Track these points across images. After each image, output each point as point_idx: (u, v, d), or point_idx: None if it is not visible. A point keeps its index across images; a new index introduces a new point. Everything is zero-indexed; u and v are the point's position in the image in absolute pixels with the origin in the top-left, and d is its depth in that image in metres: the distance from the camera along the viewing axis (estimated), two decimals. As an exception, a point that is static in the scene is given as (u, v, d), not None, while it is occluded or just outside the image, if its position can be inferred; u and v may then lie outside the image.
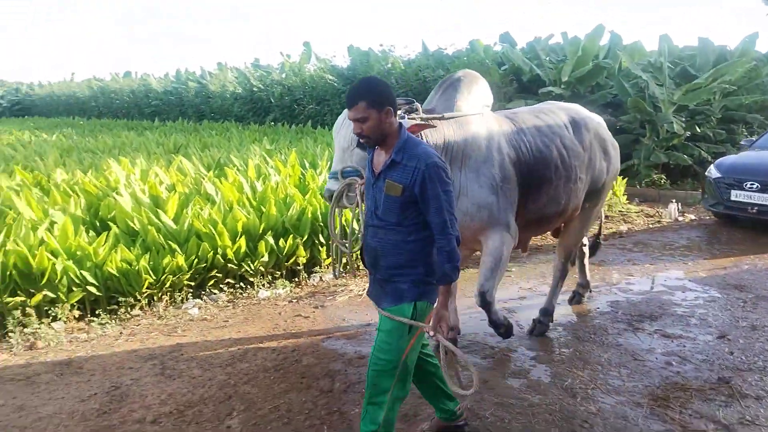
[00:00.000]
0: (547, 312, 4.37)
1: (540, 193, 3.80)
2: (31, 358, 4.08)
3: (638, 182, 10.42)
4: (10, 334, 4.33)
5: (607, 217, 8.32)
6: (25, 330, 4.38)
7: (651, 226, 8.03)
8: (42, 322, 4.48)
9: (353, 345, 4.17)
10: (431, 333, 2.40)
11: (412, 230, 2.41)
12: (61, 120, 25.22)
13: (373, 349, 2.51)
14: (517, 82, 12.24)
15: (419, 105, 3.47)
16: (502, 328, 3.86)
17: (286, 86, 18.78)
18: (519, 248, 4.13)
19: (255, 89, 19.66)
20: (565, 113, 4.14)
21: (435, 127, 3.42)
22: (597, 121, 4.31)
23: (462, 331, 4.26)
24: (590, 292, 5.07)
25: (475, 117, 3.64)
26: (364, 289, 5.43)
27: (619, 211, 8.74)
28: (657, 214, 8.63)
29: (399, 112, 3.26)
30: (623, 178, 9.30)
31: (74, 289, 4.69)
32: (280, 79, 19.52)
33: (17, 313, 4.43)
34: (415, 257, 2.44)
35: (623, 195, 9.10)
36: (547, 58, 12.38)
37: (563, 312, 4.69)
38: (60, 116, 28.28)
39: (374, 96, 2.32)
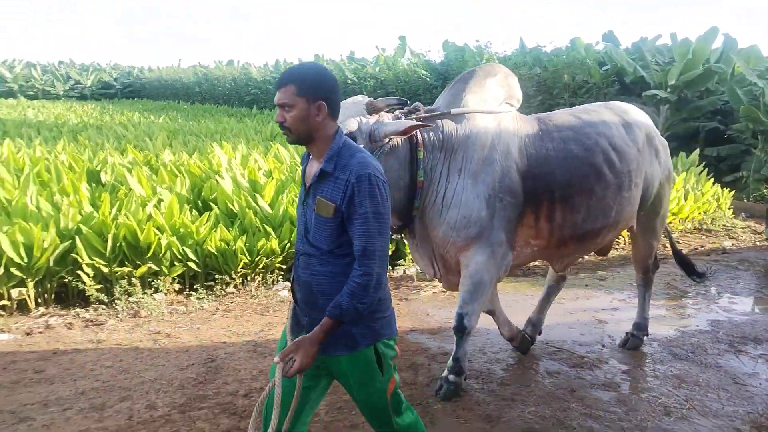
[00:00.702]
0: (639, 326, 4.10)
1: (575, 205, 3.24)
2: (135, 324, 4.38)
3: (746, 196, 9.73)
4: (116, 301, 4.67)
5: (709, 231, 7.84)
6: (130, 299, 4.71)
7: (758, 243, 7.46)
8: (145, 293, 4.80)
9: (437, 341, 4.17)
10: (276, 360, 1.88)
11: (351, 261, 1.92)
12: (167, 103, 26.77)
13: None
14: (620, 84, 11.75)
15: (421, 105, 3.16)
16: (454, 372, 3.25)
17: (379, 80, 19.00)
18: (555, 269, 3.77)
19: (348, 81, 20.02)
20: (614, 111, 3.60)
21: (431, 126, 3.03)
22: (645, 118, 3.79)
23: (549, 338, 4.16)
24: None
25: (485, 115, 3.16)
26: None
27: (723, 225, 8.18)
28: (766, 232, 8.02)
29: (396, 113, 3.02)
30: (730, 191, 8.70)
31: (176, 263, 4.99)
32: (374, 73, 19.77)
33: (124, 282, 4.77)
34: None
35: (729, 209, 8.52)
36: (653, 60, 11.78)
37: (660, 327, 4.47)
38: (166, 100, 30.01)
39: (309, 83, 1.89)
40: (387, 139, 2.84)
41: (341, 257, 1.94)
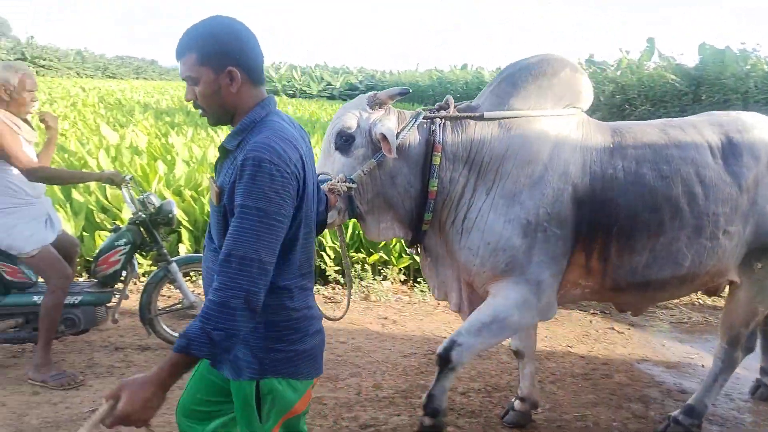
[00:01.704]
0: (692, 411, 2.91)
1: (635, 245, 2.51)
2: (366, 307, 4.73)
3: None
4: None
5: None
6: (362, 283, 5.10)
7: None
8: (375, 279, 5.15)
9: (673, 376, 3.76)
10: (103, 401, 1.39)
11: None
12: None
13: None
14: None
15: (451, 100, 2.61)
16: (429, 413, 2.55)
17: (620, 84, 17.73)
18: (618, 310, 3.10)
19: (585, 86, 19.08)
20: (721, 130, 2.67)
21: (444, 124, 2.51)
22: None
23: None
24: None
25: (538, 120, 2.50)
26: (690, 316, 4.85)
27: None
28: None
29: (417, 109, 2.59)
30: None
31: (403, 255, 5.27)
32: (615, 77, 18.54)
33: (358, 267, 5.18)
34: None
35: None
36: None
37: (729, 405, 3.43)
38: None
39: (210, 47, 1.47)
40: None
41: None
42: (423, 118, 2.50)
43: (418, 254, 2.84)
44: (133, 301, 3.88)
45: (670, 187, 2.50)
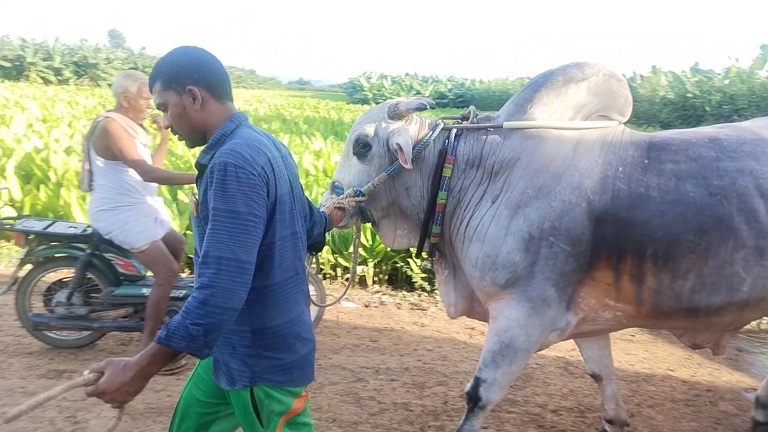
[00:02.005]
0: None
1: (679, 269, 2.22)
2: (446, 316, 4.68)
3: None
4: (437, 291, 5.04)
5: None
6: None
7: None
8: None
9: (789, 408, 3.44)
10: (85, 372, 1.44)
11: None
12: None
13: None
14: None
15: (474, 110, 2.55)
16: None
17: (728, 94, 16.62)
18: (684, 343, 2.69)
19: (689, 95, 18.04)
20: None
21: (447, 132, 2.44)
22: None
23: None
24: None
25: (557, 132, 2.33)
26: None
27: None
28: None
29: (438, 119, 2.51)
30: None
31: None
32: (722, 86, 17.39)
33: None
34: (242, 317, 1.55)
35: None
36: None
37: None
38: (492, 110, 31.47)
39: (170, 72, 1.57)
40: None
41: None
42: (441, 129, 2.46)
43: (432, 268, 2.70)
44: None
45: (721, 205, 2.18)
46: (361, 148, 2.44)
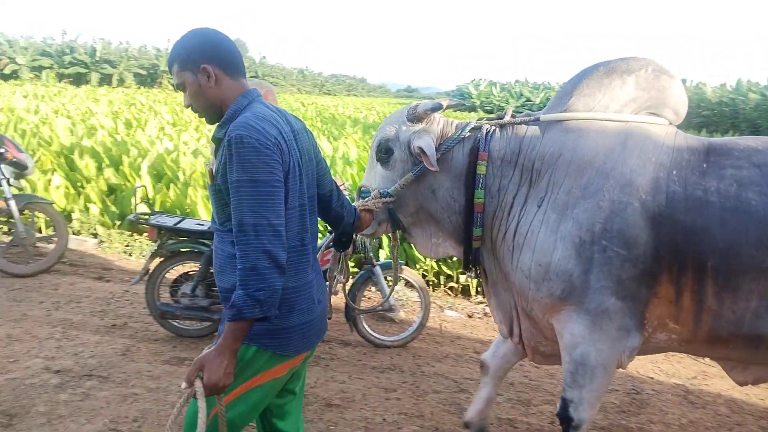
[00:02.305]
0: None
1: (741, 288, 1.96)
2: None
3: None
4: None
5: None
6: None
7: None
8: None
9: None
10: (183, 386, 1.56)
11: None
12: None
13: None
14: None
15: (510, 110, 2.41)
16: None
17: None
18: (733, 379, 2.35)
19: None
20: None
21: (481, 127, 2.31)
22: None
23: None
24: None
25: (602, 125, 2.13)
26: None
27: None
28: None
29: (470, 120, 2.38)
30: None
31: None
32: None
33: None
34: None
35: None
36: None
37: None
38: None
39: (185, 53, 1.65)
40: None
41: (229, 232, 1.63)
42: (470, 129, 2.33)
43: (477, 277, 2.56)
44: (339, 299, 4.16)
45: None
46: (383, 153, 2.39)
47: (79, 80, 32.41)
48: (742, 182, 1.99)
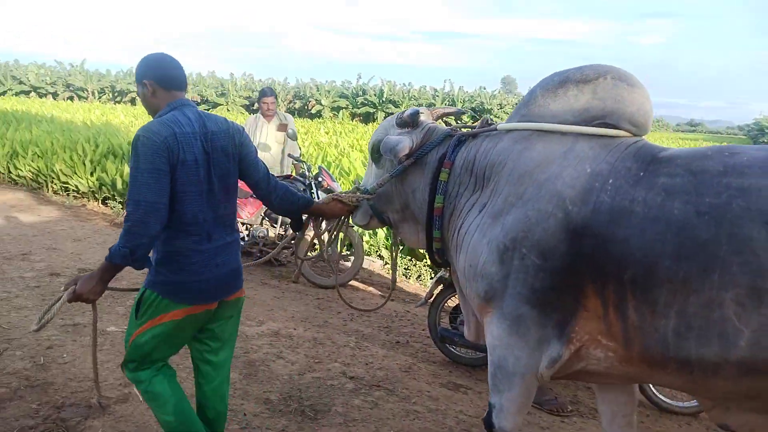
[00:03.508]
0: None
1: (657, 301, 1.81)
2: None
3: None
4: None
5: None
6: None
7: None
8: None
9: None
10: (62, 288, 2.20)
11: None
12: None
13: None
14: None
15: (490, 119, 2.49)
16: None
17: None
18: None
19: None
20: None
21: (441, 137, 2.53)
22: None
23: None
24: None
25: (549, 135, 2.12)
26: None
27: None
28: None
29: (452, 127, 2.60)
30: None
31: None
32: None
33: None
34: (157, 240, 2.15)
35: None
36: None
37: None
38: None
39: (137, 70, 2.24)
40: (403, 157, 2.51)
41: None
42: (446, 136, 2.52)
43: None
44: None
45: (708, 228, 1.76)
46: (375, 153, 2.65)
47: (367, 118, 36.61)
48: (671, 190, 1.86)
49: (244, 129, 2.38)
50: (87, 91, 40.64)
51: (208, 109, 36.90)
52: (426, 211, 2.48)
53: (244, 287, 2.47)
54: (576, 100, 2.14)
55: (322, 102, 37.73)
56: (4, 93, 40.65)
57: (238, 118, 26.48)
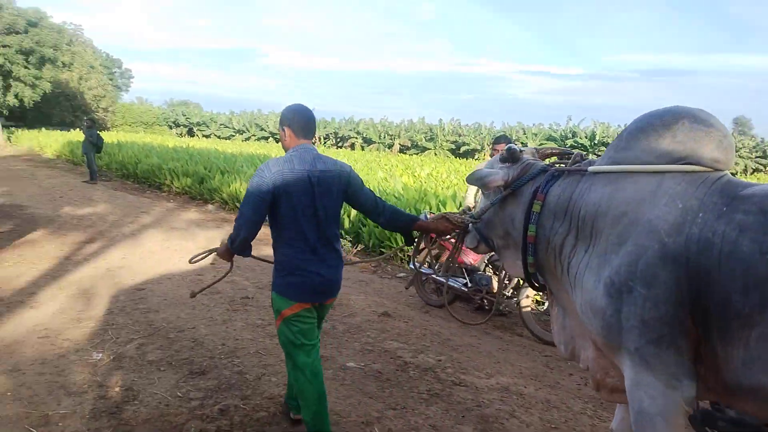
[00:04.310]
0: None
1: (731, 332, 1.96)
2: None
3: None
4: None
5: None
6: None
7: None
8: None
9: None
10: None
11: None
12: None
13: None
14: None
15: (577, 154, 2.75)
16: None
17: None
18: None
19: None
20: None
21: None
22: None
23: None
24: None
25: (637, 176, 2.28)
26: None
27: None
28: None
29: (549, 164, 2.80)
30: None
31: None
32: None
33: None
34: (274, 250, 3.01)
35: None
36: None
37: None
38: None
39: (280, 117, 3.04)
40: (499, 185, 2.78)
41: None
42: (540, 171, 2.69)
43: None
44: None
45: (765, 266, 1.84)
46: (482, 185, 2.85)
47: (576, 161, 35.20)
48: (743, 227, 1.97)
49: (351, 169, 3.05)
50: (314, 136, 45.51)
51: (416, 153, 38.65)
52: (522, 238, 2.68)
53: (470, 337, 2.83)
54: (658, 144, 2.29)
55: (528, 145, 37.26)
56: (248, 139, 47.04)
57: (445, 162, 27.25)
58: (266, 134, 47.33)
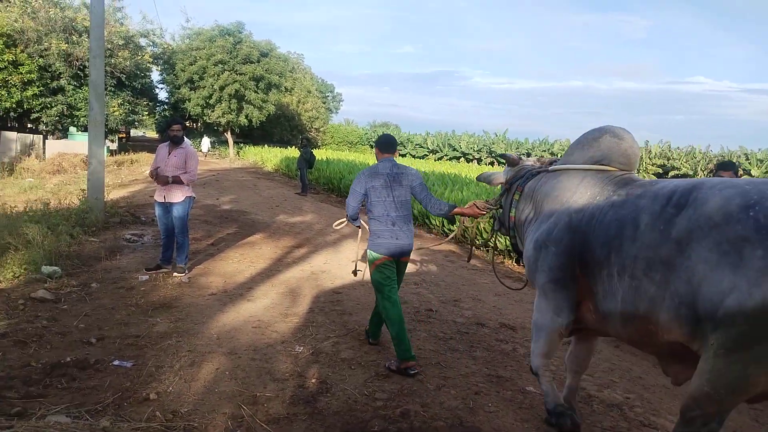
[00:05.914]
0: None
1: (597, 280, 3.02)
2: None
3: None
4: None
5: None
6: None
7: None
8: None
9: None
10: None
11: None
12: None
13: None
14: None
15: (547, 158, 4.09)
16: (548, 409, 3.60)
17: None
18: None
19: None
20: (689, 186, 2.70)
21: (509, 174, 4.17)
22: (723, 196, 2.46)
23: None
24: None
25: (571, 172, 3.49)
26: None
27: None
28: None
29: (528, 161, 4.15)
30: None
31: None
32: None
33: None
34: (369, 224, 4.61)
35: None
36: None
37: None
38: None
39: (376, 141, 4.82)
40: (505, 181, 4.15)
41: None
42: (526, 172, 3.94)
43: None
44: None
45: (617, 227, 2.89)
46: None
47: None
48: (613, 204, 3.02)
49: (416, 171, 4.57)
50: (396, 151, 45.66)
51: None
52: (506, 218, 4.01)
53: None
54: (587, 152, 3.44)
55: (752, 173, 32.80)
56: (441, 158, 48.27)
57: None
58: (458, 154, 48.12)
